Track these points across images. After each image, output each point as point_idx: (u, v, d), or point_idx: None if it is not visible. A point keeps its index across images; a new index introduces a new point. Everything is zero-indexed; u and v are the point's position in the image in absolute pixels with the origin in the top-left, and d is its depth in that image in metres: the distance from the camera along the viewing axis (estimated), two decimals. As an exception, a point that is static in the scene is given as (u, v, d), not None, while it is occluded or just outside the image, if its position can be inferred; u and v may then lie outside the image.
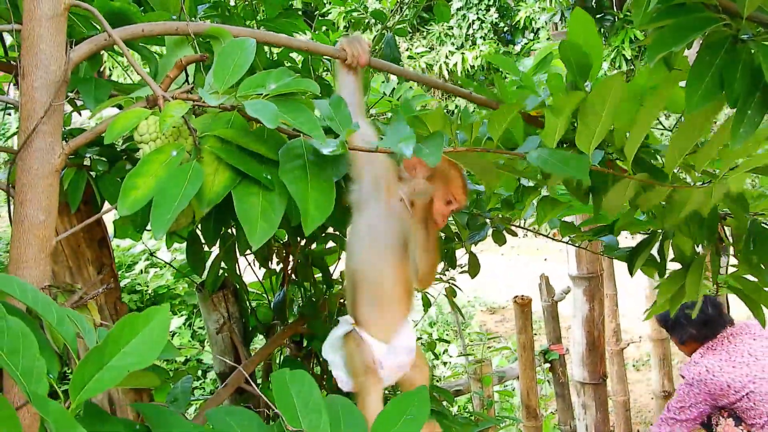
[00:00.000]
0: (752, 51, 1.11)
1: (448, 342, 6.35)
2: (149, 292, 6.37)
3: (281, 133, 1.26)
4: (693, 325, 3.18)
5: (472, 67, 15.09)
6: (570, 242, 2.04)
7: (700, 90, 1.10)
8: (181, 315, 6.34)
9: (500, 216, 1.90)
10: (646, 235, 1.79)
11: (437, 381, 4.79)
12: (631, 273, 1.71)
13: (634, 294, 1.84)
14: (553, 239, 2.10)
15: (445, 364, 6.26)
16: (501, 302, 7.96)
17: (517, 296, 3.42)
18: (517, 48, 15.52)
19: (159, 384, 0.92)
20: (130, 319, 0.80)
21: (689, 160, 1.35)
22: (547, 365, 3.76)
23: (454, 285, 2.47)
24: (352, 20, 3.03)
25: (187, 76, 1.34)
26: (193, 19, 1.72)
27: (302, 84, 1.17)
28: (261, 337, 2.32)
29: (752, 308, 1.72)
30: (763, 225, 1.63)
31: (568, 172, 1.23)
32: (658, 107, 1.27)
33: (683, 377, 3.16)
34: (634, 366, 6.18)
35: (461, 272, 2.35)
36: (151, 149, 1.17)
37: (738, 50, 1.12)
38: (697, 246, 1.73)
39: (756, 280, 1.70)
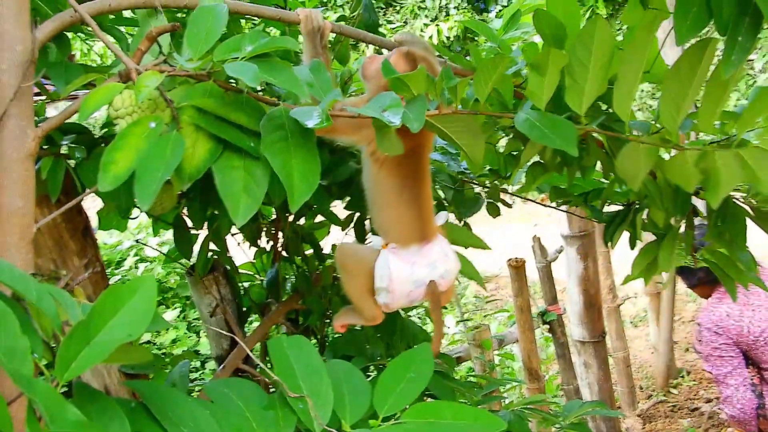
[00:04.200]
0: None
1: (444, 308, 6.31)
2: (141, 287, 6.31)
3: (260, 102, 1.22)
4: (701, 269, 3.16)
5: (448, 38, 14.97)
6: (557, 207, 2.01)
7: (688, 19, 1.06)
8: (175, 308, 6.30)
9: (491, 183, 1.87)
10: (622, 207, 1.79)
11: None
12: (606, 243, 1.73)
13: (627, 251, 1.82)
14: (542, 204, 2.08)
15: (443, 335, 6.23)
16: (495, 270, 7.93)
17: (510, 259, 3.39)
18: (492, 15, 15.40)
19: (151, 358, 0.88)
20: (114, 290, 0.76)
21: (693, 118, 1.29)
22: (546, 326, 3.74)
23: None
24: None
25: (160, 48, 1.29)
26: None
27: (279, 42, 1.13)
28: (257, 318, 2.29)
29: (725, 281, 1.71)
30: (735, 201, 1.60)
31: (555, 141, 1.14)
32: (641, 53, 1.17)
33: (700, 324, 3.11)
34: (631, 323, 6.18)
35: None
36: (127, 124, 1.13)
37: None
38: (671, 219, 1.72)
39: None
